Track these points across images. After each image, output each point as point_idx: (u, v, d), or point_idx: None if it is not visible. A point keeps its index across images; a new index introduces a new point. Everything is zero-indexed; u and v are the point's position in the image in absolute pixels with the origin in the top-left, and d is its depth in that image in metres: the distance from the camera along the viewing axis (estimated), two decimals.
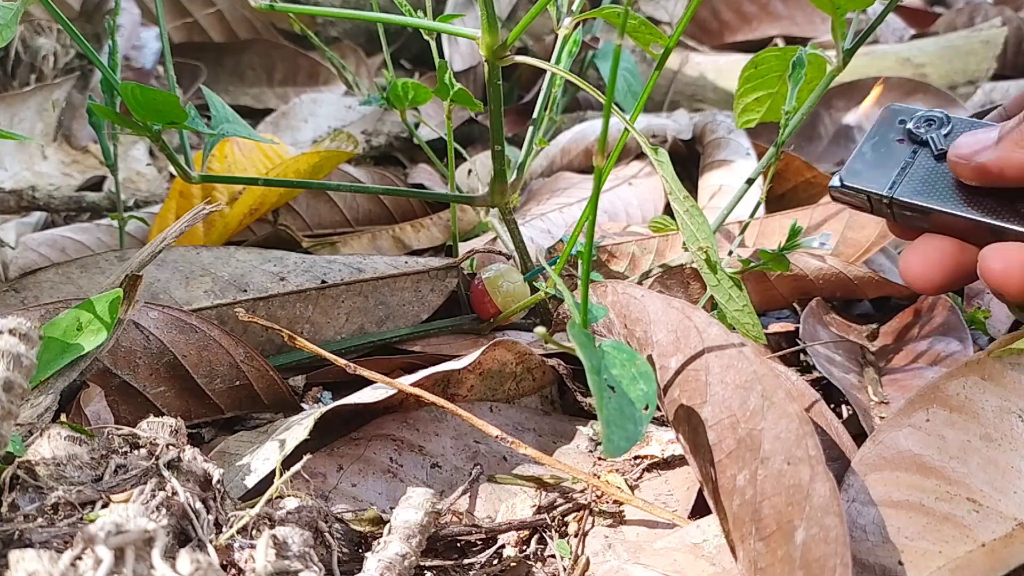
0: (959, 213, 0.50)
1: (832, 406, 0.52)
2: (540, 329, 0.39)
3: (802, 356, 0.65)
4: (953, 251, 0.50)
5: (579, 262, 0.64)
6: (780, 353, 0.62)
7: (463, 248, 0.75)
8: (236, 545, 0.39)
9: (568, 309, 0.42)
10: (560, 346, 0.42)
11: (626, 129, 0.50)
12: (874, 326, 0.68)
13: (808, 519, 0.35)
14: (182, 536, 0.39)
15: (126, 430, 0.44)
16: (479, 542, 0.48)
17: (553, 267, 0.56)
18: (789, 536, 0.36)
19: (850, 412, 0.57)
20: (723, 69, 1.12)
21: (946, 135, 0.53)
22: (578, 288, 0.41)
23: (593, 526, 0.50)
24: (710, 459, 0.40)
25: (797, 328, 0.64)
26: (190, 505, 0.40)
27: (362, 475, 0.52)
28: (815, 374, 0.61)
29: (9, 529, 0.37)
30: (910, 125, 0.54)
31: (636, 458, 0.54)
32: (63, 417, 0.46)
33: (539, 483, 0.52)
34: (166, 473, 0.41)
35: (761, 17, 1.22)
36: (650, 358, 0.45)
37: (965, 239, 0.50)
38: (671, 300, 0.45)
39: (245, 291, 0.61)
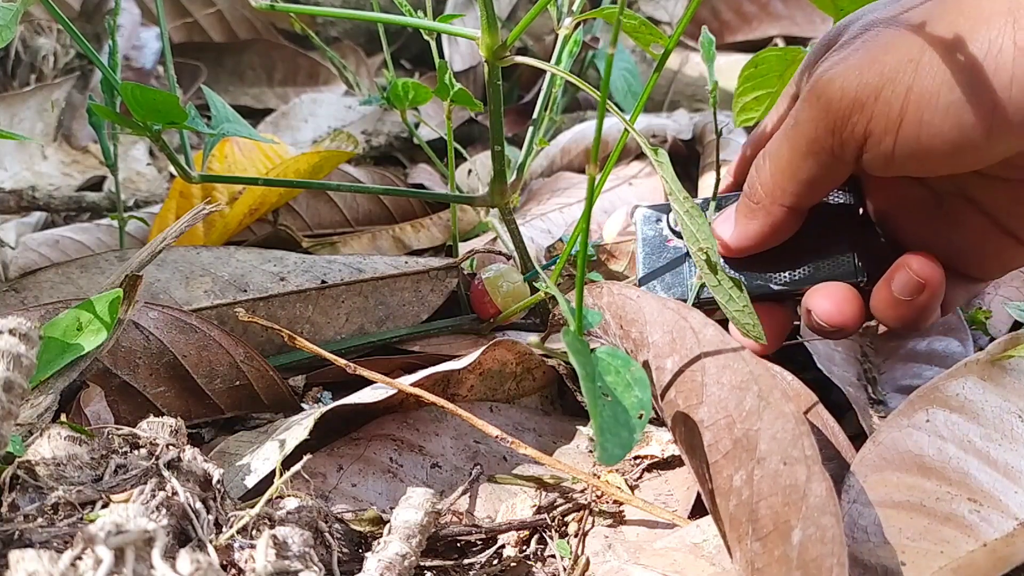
0: (753, 291, 0.52)
1: (830, 406, 0.52)
2: (533, 339, 0.39)
3: (799, 357, 0.64)
4: (768, 316, 0.52)
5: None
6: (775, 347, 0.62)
7: (463, 248, 0.75)
8: (236, 545, 0.39)
9: (563, 315, 0.42)
10: (553, 354, 0.42)
11: (626, 129, 0.50)
12: (871, 323, 0.68)
13: (805, 519, 0.35)
14: (182, 536, 0.39)
15: (126, 430, 0.44)
16: (479, 542, 0.48)
17: (552, 268, 0.57)
18: (786, 536, 0.36)
19: (848, 412, 0.57)
20: (723, 69, 1.12)
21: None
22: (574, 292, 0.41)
23: (593, 526, 0.50)
24: (706, 460, 0.40)
25: (796, 326, 0.64)
26: (190, 505, 0.40)
27: (362, 475, 0.52)
28: (813, 373, 0.61)
29: (9, 529, 0.37)
30: (670, 223, 0.56)
31: (636, 458, 0.54)
32: (63, 417, 0.46)
33: (539, 483, 0.52)
34: (166, 473, 0.41)
35: (761, 17, 1.22)
36: (646, 363, 0.45)
37: (772, 302, 0.53)
38: (666, 301, 0.45)
39: (245, 291, 0.62)
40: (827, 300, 0.49)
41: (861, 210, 0.54)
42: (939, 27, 0.41)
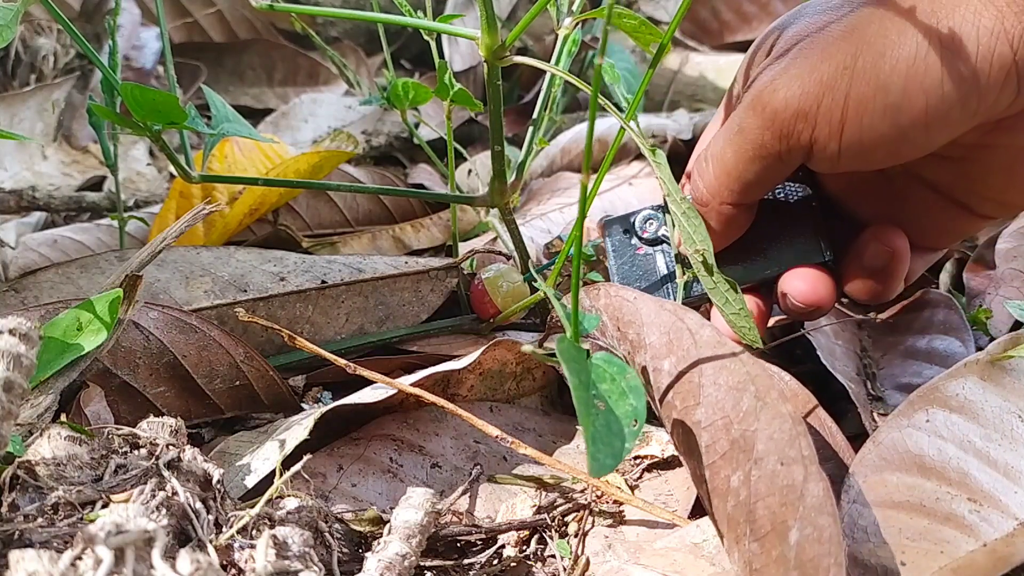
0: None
1: (828, 400, 0.52)
2: (527, 347, 0.39)
3: (797, 350, 0.65)
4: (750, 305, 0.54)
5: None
6: (777, 343, 0.63)
7: (463, 248, 0.75)
8: (236, 545, 0.39)
9: (558, 320, 0.42)
10: (549, 359, 0.42)
11: (623, 129, 0.50)
12: (871, 314, 0.68)
13: (802, 519, 0.35)
14: (182, 536, 0.39)
15: (126, 430, 0.44)
16: (479, 542, 0.49)
17: (551, 268, 0.57)
18: (783, 536, 0.36)
19: (847, 410, 0.57)
20: (723, 69, 1.12)
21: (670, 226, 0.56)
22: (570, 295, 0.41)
23: (593, 526, 0.50)
24: (704, 461, 0.40)
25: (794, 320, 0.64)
26: (190, 505, 0.40)
27: (362, 475, 0.52)
28: (809, 365, 0.61)
29: (9, 529, 0.37)
30: (636, 231, 0.57)
31: (636, 458, 0.54)
32: (63, 417, 0.46)
33: (539, 483, 0.52)
34: (166, 473, 0.41)
35: (761, 17, 1.22)
36: (644, 367, 0.45)
37: (747, 293, 0.54)
38: (663, 302, 0.45)
39: (245, 291, 0.62)
40: (801, 281, 0.51)
41: (816, 195, 0.55)
42: (868, 32, 0.43)
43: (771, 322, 0.66)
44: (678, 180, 0.51)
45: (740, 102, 0.48)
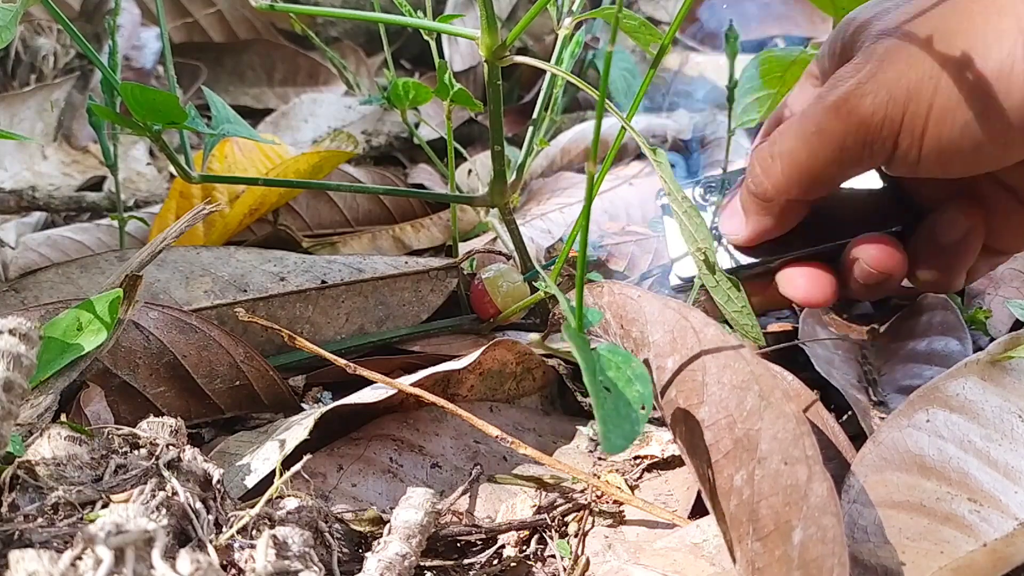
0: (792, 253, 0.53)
1: (830, 406, 0.52)
2: (534, 336, 0.39)
3: (799, 358, 0.65)
4: (811, 277, 0.53)
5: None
6: (775, 347, 0.62)
7: (463, 248, 0.75)
8: (236, 545, 0.39)
9: (563, 313, 0.42)
10: (553, 351, 0.43)
11: (623, 129, 0.50)
12: (874, 326, 0.68)
13: (805, 519, 0.35)
14: (182, 536, 0.39)
15: (126, 430, 0.44)
16: (479, 542, 0.48)
17: (551, 267, 0.57)
18: (786, 536, 0.36)
19: (848, 412, 0.57)
20: (723, 69, 1.12)
21: (723, 196, 0.56)
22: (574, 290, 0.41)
23: (593, 526, 0.50)
24: (707, 460, 0.40)
25: (796, 328, 0.64)
26: (190, 505, 0.40)
27: (362, 475, 0.52)
28: (812, 372, 0.61)
29: (9, 529, 0.37)
30: (696, 200, 0.56)
31: (636, 458, 0.54)
32: (63, 417, 0.46)
33: (539, 483, 0.52)
34: (166, 473, 0.41)
35: (761, 17, 1.22)
36: (647, 360, 0.45)
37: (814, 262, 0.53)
38: (668, 300, 0.45)
39: (245, 291, 0.62)
40: (874, 247, 0.51)
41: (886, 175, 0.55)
42: (955, 43, 0.42)
43: (775, 328, 0.66)
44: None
45: (819, 102, 0.47)
